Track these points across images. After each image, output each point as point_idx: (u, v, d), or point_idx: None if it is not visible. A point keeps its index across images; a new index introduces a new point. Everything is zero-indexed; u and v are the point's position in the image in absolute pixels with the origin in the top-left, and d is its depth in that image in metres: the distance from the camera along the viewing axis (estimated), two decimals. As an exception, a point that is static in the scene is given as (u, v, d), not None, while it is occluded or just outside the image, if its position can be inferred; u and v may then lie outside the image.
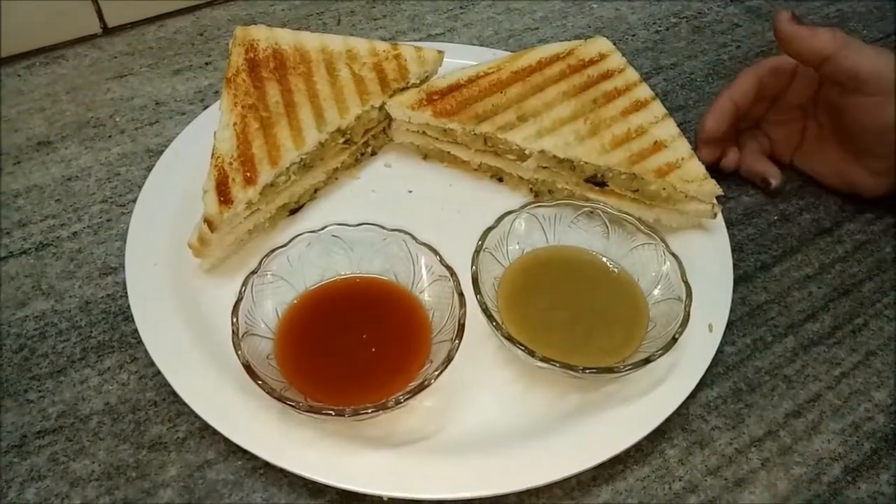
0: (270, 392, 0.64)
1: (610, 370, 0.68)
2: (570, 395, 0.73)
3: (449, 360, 0.67)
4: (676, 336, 0.69)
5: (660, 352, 0.68)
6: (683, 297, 0.73)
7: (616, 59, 0.94)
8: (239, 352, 0.66)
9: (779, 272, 0.89)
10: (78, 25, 1.13)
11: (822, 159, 0.95)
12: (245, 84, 0.87)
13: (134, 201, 0.87)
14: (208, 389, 0.70)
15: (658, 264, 0.77)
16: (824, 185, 0.97)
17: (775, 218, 0.95)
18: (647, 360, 0.68)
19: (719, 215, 0.86)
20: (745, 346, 0.81)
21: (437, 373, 0.66)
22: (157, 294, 0.77)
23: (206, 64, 1.12)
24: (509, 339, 0.69)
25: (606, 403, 0.71)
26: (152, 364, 0.72)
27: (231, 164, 0.80)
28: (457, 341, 0.68)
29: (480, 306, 0.71)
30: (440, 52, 0.97)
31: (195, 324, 0.75)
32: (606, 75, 0.93)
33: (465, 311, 0.70)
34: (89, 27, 1.14)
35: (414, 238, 0.76)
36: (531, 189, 0.92)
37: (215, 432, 0.68)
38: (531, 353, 0.68)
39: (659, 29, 1.25)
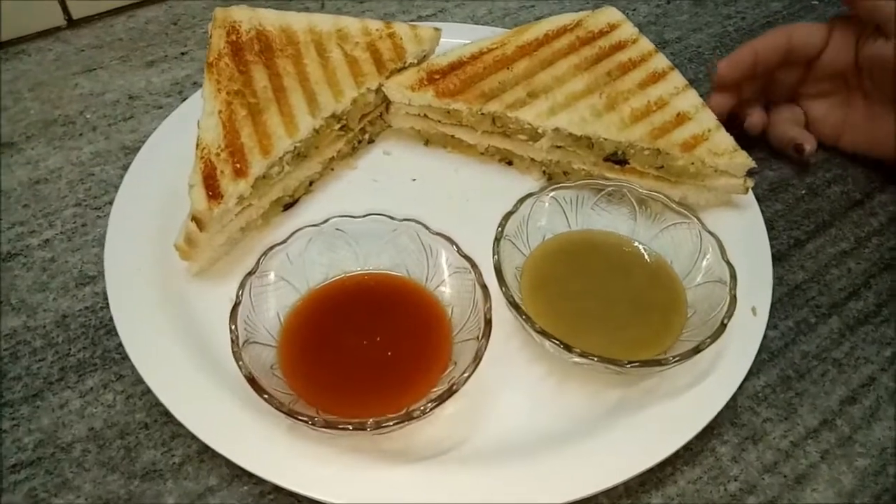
0: (279, 407, 0.56)
1: (657, 363, 0.61)
2: (607, 391, 0.66)
3: (477, 360, 0.60)
4: (725, 322, 0.63)
5: (709, 340, 0.62)
6: (727, 278, 0.66)
7: (628, 30, 0.88)
8: (240, 363, 0.59)
9: (813, 249, 0.83)
10: (40, 18, 1.04)
11: (875, 132, 0.87)
12: (229, 68, 0.80)
13: (110, 203, 0.79)
14: (205, 407, 0.62)
15: (694, 245, 0.71)
16: (882, 163, 0.88)
17: (803, 192, 0.89)
18: (696, 350, 0.61)
19: (750, 190, 0.80)
20: (789, 330, 0.75)
21: (465, 375, 0.59)
22: (141, 303, 0.69)
23: (182, 54, 1.04)
24: (541, 333, 0.62)
25: (648, 400, 0.65)
26: (140, 382, 0.64)
27: (219, 154, 0.72)
28: (484, 340, 0.61)
29: (507, 299, 0.64)
30: (437, 29, 0.90)
31: (186, 334, 0.68)
32: (619, 46, 0.86)
33: (490, 306, 0.63)
34: (53, 20, 1.05)
35: (427, 228, 0.69)
36: (544, 171, 0.85)
37: (216, 455, 0.60)
38: (568, 348, 0.61)
39: (660, 3, 1.19)
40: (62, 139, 0.91)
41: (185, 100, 0.91)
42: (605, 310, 0.68)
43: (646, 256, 0.73)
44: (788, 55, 0.86)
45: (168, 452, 0.63)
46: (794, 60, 0.87)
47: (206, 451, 0.62)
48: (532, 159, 0.84)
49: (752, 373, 0.70)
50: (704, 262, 0.69)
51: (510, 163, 0.87)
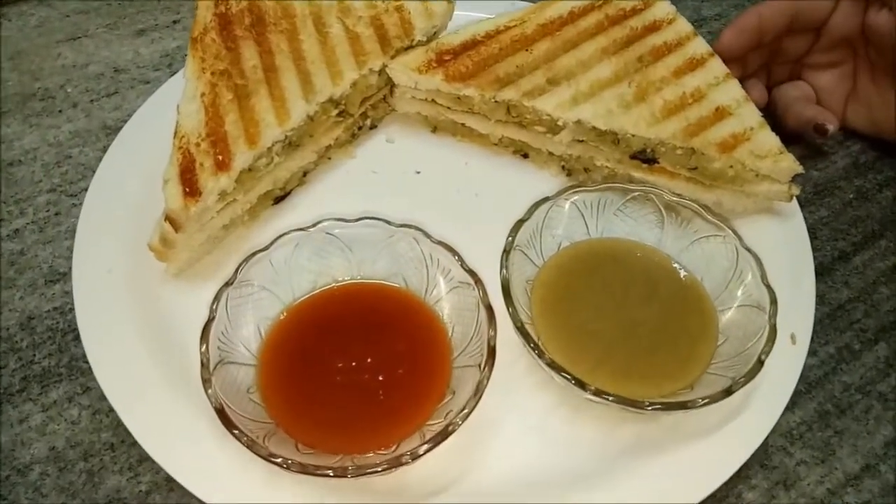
0: (251, 446, 0.50)
1: (682, 405, 0.54)
2: (624, 427, 0.60)
3: (478, 396, 0.53)
4: (763, 358, 0.56)
5: (743, 379, 0.55)
6: (766, 304, 0.59)
7: (663, 8, 0.79)
8: (210, 391, 0.52)
9: (860, 263, 0.75)
10: (22, -21, 0.97)
11: (882, 101, 0.80)
12: (215, 45, 0.72)
13: (87, 190, 0.72)
14: (175, 432, 0.57)
15: (729, 262, 0.63)
16: (888, 138, 0.82)
17: (851, 196, 0.81)
18: (728, 391, 0.54)
19: (794, 198, 0.71)
20: (829, 357, 0.68)
21: (464, 412, 0.52)
22: (111, 308, 0.64)
23: (175, 23, 0.97)
24: (552, 366, 0.55)
25: (669, 438, 0.58)
26: (108, 397, 0.58)
27: (199, 145, 0.65)
28: (487, 370, 0.54)
29: (514, 323, 0.57)
30: (450, 2, 0.82)
31: (159, 346, 0.62)
32: (653, 27, 0.77)
33: (494, 333, 0.56)
34: (36, -19, 0.98)
35: (427, 235, 0.62)
36: (563, 167, 0.77)
37: (186, 484, 0.55)
38: (581, 385, 0.54)
39: (698, -27, 1.09)
40: (40, 116, 0.84)
41: (173, 74, 0.85)
42: (625, 332, 0.61)
43: (673, 272, 0.65)
44: (795, 19, 0.78)
45: (134, 479, 0.58)
46: (800, 26, 0.80)
47: (175, 479, 0.56)
48: (550, 153, 0.77)
49: (786, 406, 0.63)
50: (741, 284, 0.62)
51: (526, 156, 0.79)
